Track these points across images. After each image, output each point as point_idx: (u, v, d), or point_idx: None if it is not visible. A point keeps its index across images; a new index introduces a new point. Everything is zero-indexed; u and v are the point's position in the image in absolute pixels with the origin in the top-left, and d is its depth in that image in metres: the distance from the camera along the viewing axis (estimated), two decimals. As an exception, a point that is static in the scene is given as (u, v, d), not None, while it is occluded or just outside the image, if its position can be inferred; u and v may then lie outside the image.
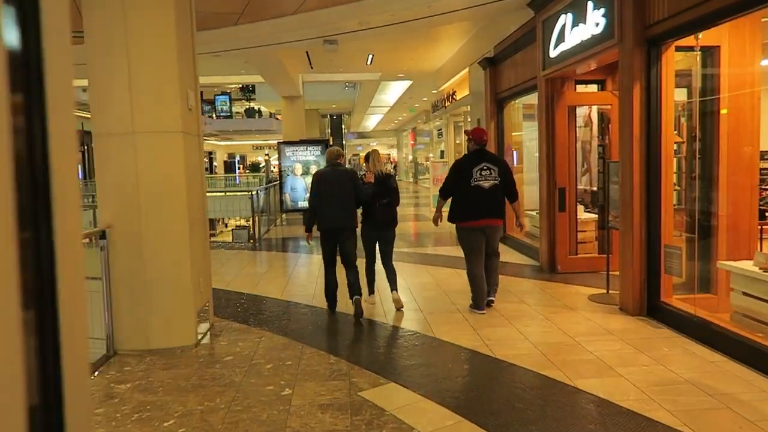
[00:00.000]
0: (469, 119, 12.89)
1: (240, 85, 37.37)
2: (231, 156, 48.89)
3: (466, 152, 6.03)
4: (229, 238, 12.94)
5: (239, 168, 41.69)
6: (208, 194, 6.04)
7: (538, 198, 8.36)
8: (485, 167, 5.60)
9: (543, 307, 6.06)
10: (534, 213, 9.78)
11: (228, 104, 38.76)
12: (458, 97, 12.96)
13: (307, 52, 13.62)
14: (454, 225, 5.83)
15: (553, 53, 7.35)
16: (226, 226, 24.18)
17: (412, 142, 34.07)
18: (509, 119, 10.32)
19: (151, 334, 4.89)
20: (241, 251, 10.41)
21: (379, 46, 13.19)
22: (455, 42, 12.86)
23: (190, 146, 5.10)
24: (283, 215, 15.15)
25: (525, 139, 10.32)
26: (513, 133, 10.25)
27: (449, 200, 5.89)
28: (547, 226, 7.84)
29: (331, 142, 15.87)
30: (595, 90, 7.99)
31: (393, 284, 6.01)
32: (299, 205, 14.01)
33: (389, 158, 46.38)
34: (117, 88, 4.76)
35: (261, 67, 13.55)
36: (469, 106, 12.82)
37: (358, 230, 5.98)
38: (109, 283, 4.82)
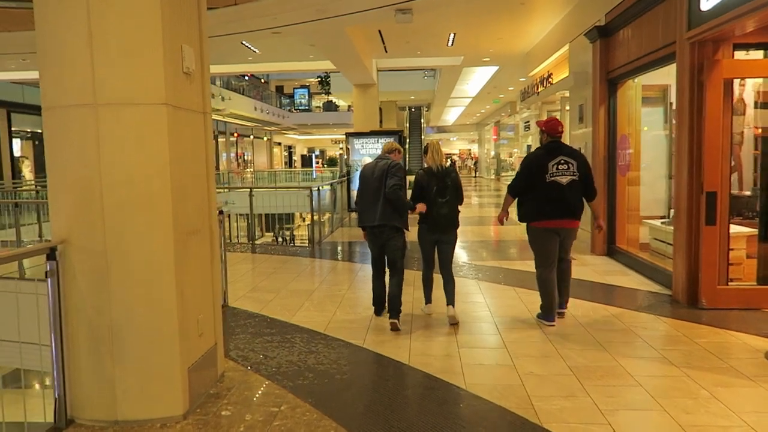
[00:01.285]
0: (567, 107, 10.71)
1: (318, 78, 36.50)
2: (310, 150, 48.34)
3: (540, 145, 5.31)
4: (305, 232, 11.30)
5: (316, 162, 40.89)
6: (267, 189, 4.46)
7: (672, 204, 6.20)
8: (562, 161, 4.96)
9: (699, 371, 3.99)
10: (658, 223, 7.56)
11: (307, 97, 37.98)
12: (555, 80, 10.80)
13: (379, 31, 11.90)
14: (525, 225, 5.23)
15: (706, 4, 5.19)
16: (304, 220, 23.06)
17: (495, 137, 31.70)
18: (624, 103, 8.12)
19: (119, 399, 3.31)
20: (295, 257, 8.84)
21: (462, 24, 11.25)
22: (552, 15, 10.71)
23: (181, 126, 3.46)
24: (351, 214, 13.55)
25: (642, 127, 8.09)
26: (629, 121, 8.04)
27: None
28: (686, 244, 5.69)
29: (406, 134, 14.03)
30: (762, 57, 5.75)
31: (450, 297, 5.30)
32: (368, 204, 12.36)
33: (470, 154, 44.08)
34: (71, 38, 3.18)
35: (329, 50, 11.97)
36: (568, 91, 10.63)
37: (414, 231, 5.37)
38: (61, 325, 3.27)
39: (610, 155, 8.28)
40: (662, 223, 7.42)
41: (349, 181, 12.60)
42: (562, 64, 10.83)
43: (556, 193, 4.92)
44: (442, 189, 5.11)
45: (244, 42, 12.30)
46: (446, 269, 5.32)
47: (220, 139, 34.17)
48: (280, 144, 44.11)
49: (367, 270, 7.72)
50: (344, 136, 12.88)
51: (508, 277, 7.22)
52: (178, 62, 3.43)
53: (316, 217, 10.36)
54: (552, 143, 5.11)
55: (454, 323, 5.15)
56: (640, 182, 8.18)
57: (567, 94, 10.92)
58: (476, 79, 19.11)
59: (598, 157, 8.42)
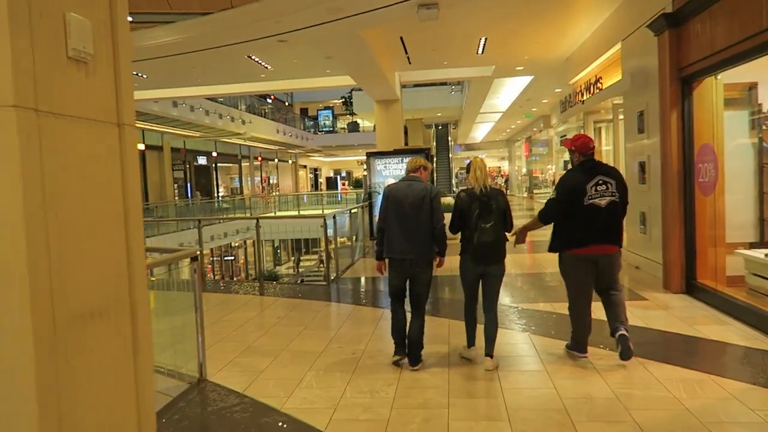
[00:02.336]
0: (620, 116, 9.12)
1: (342, 99, 35.44)
2: (336, 172, 47.28)
3: (572, 165, 4.66)
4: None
5: (342, 183, 39.72)
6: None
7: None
8: (601, 181, 4.42)
9: None
10: (758, 253, 5.90)
11: (331, 119, 36.97)
12: (606, 84, 9.24)
13: (401, 38, 10.52)
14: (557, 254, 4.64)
15: None
16: (330, 242, 21.75)
17: (527, 153, 30.01)
18: (703, 106, 6.53)
19: None
20: (307, 301, 7.39)
21: (494, 25, 9.81)
22: (600, 9, 9.19)
23: (64, 142, 2.03)
24: (371, 243, 12.08)
25: (726, 135, 6.48)
26: (711, 127, 6.43)
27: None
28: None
29: (432, 152, 12.55)
30: None
31: (489, 344, 4.55)
32: (393, 231, 10.90)
33: (500, 171, 42.34)
34: None
35: (346, 62, 10.64)
36: (622, 97, 9.06)
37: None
38: None
39: (687, 170, 6.67)
40: (765, 256, 5.75)
41: (371, 206, 11.18)
42: (612, 67, 9.28)
43: (594, 217, 4.37)
44: (486, 212, 4.41)
45: (252, 57, 11.08)
46: (489, 309, 4.59)
47: (244, 164, 33.31)
48: (305, 167, 43.16)
49: (388, 318, 6.26)
50: (365, 157, 11.49)
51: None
52: (57, 40, 2.03)
53: (333, 247, 8.93)
54: (587, 162, 4.50)
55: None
56: (724, 201, 6.54)
57: (618, 101, 9.34)
58: (507, 91, 17.60)
59: (669, 173, 6.81)
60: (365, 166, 11.39)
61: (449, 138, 30.80)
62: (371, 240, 11.56)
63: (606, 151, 12.30)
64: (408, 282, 4.61)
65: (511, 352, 4.93)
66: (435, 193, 4.51)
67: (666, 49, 6.73)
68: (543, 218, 4.64)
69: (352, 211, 10.57)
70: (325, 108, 36.04)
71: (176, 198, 26.07)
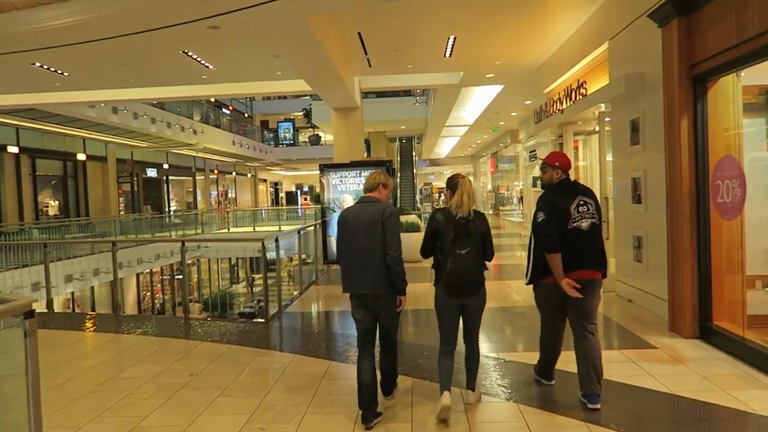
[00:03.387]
0: (606, 127, 7.92)
1: (303, 111, 33.92)
2: (298, 186, 45.53)
3: (545, 184, 4.20)
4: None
5: (303, 198, 38.06)
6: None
7: None
8: (582, 202, 4.02)
9: None
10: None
11: (291, 131, 35.38)
12: (591, 89, 8.02)
13: (359, 34, 9.16)
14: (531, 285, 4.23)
15: None
16: (291, 260, 20.05)
17: (492, 169, 29.02)
18: (720, 111, 5.32)
19: None
20: (236, 348, 5.84)
21: (464, 23, 8.55)
22: (581, 10, 8.03)
23: None
24: (326, 267, 10.60)
25: (747, 145, 5.28)
26: (733, 136, 5.22)
27: None
28: None
29: (395, 165, 11.12)
30: None
31: (471, 376, 4.05)
32: (349, 254, 9.46)
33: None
34: None
35: (297, 61, 9.20)
36: (607, 105, 7.88)
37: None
38: None
39: (700, 189, 5.44)
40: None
41: (324, 225, 9.72)
42: (598, 70, 8.10)
43: (577, 241, 3.99)
44: (462, 236, 3.88)
45: (188, 52, 9.53)
46: (470, 339, 4.11)
47: (198, 177, 31.35)
48: (265, 180, 41.34)
49: (344, 373, 4.80)
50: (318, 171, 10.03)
51: (569, 391, 4.25)
52: None
53: (276, 275, 7.41)
54: (566, 182, 4.15)
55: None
56: (743, 226, 5.32)
57: (605, 108, 8.16)
58: (475, 103, 16.44)
59: (678, 193, 5.57)
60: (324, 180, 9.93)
61: (413, 153, 29.60)
62: (325, 264, 10.08)
63: (582, 167, 11.15)
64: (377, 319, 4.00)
65: (498, 438, 3.53)
66: (389, 213, 3.85)
67: (674, 42, 5.52)
68: (550, 245, 3.97)
69: (302, 231, 9.07)
70: (286, 120, 34.46)
71: (121, 212, 24.04)
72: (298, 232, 8.80)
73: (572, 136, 9.70)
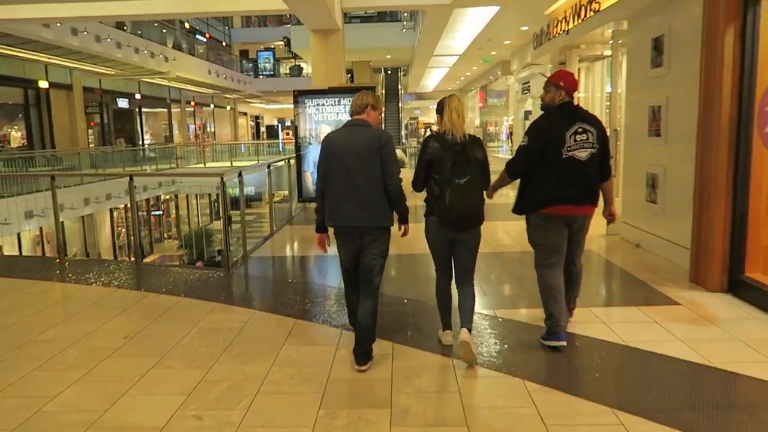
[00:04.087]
0: (621, 54, 6.83)
1: (284, 39, 31.92)
2: (280, 120, 43.79)
3: (549, 106, 3.71)
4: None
5: (285, 133, 36.54)
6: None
7: None
8: (581, 129, 3.56)
9: None
10: None
11: (272, 62, 33.41)
12: (606, 3, 6.85)
13: (337, -65, 7.80)
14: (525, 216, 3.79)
15: None
16: (273, 195, 18.99)
17: (481, 104, 27.75)
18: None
19: None
20: (187, 300, 4.95)
21: None
22: None
23: None
24: (300, 205, 9.64)
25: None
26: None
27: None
28: None
29: (377, 93, 9.92)
30: None
31: (466, 316, 3.55)
32: (327, 192, 8.50)
33: (451, 123, 39.95)
34: None
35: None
36: (625, 22, 6.79)
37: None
38: None
39: (742, 117, 4.48)
40: None
41: (299, 160, 8.67)
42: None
43: (572, 172, 3.54)
44: (462, 165, 3.39)
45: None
46: (464, 282, 3.66)
47: (174, 109, 29.65)
48: (245, 114, 39.61)
49: (311, 336, 3.93)
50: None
51: (585, 362, 3.44)
52: None
53: (241, 215, 6.44)
54: (566, 105, 3.64)
55: (470, 361, 3.40)
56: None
57: (622, 25, 7.06)
58: (467, 29, 15.05)
59: (715, 121, 4.62)
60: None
61: (399, 86, 28.14)
62: (300, 202, 9.11)
63: (583, 99, 10.10)
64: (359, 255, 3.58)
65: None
66: (385, 140, 3.45)
67: (723, -67, 4.42)
68: (511, 170, 3.75)
69: (272, 165, 8.03)
70: (266, 50, 32.48)
71: (91, 145, 22.61)
72: (268, 167, 7.76)
73: (577, 63, 8.59)
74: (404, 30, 17.62)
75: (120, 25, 18.57)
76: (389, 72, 27.21)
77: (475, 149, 3.46)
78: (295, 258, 6.69)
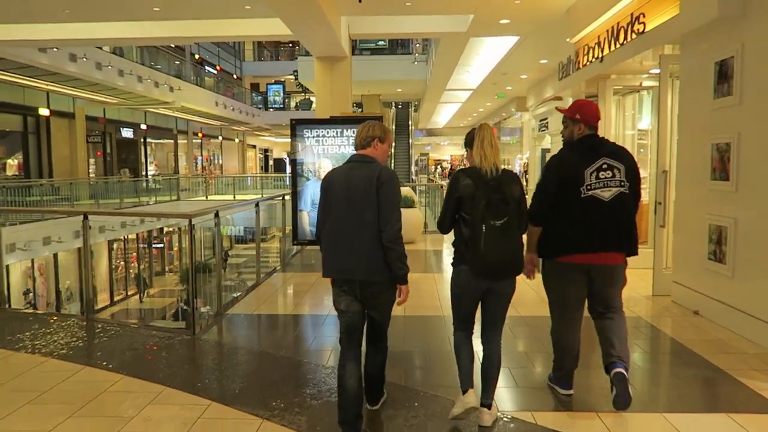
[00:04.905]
0: (673, 83, 5.76)
1: (294, 72, 31.38)
2: (290, 154, 43.16)
3: (569, 141, 3.34)
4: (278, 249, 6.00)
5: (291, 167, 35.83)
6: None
7: None
8: (605, 165, 3.17)
9: None
10: None
11: (281, 94, 32.86)
12: (652, 24, 5.78)
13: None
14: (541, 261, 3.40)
15: None
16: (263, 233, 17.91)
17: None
18: None
19: None
20: (127, 380, 3.79)
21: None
22: None
23: None
24: (295, 248, 8.53)
25: None
26: None
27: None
28: None
29: (384, 122, 8.89)
30: None
31: (488, 388, 3.10)
32: (325, 234, 7.39)
33: (462, 160, 39.11)
34: None
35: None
36: (674, 46, 5.74)
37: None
38: None
39: None
40: None
41: (295, 197, 7.59)
42: (655, 2, 5.87)
43: (594, 214, 3.14)
44: (499, 205, 2.93)
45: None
46: (491, 337, 3.15)
47: (180, 140, 28.96)
48: (254, 147, 38.97)
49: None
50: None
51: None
52: None
53: (216, 262, 5.32)
54: (588, 139, 3.24)
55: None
56: None
57: (671, 49, 6.00)
58: (482, 61, 14.19)
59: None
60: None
61: (410, 121, 27.32)
62: (295, 244, 7.98)
63: (612, 136, 8.97)
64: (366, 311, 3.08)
65: None
66: (386, 179, 2.94)
67: None
68: (531, 213, 3.24)
69: (262, 204, 6.95)
70: (276, 82, 31.94)
71: (92, 175, 21.79)
72: (256, 205, 6.67)
73: (612, 95, 7.49)
74: (416, 62, 16.79)
75: (117, 53, 17.84)
76: (399, 106, 26.43)
77: (511, 185, 3.02)
78: (284, 318, 5.51)
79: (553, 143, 15.21)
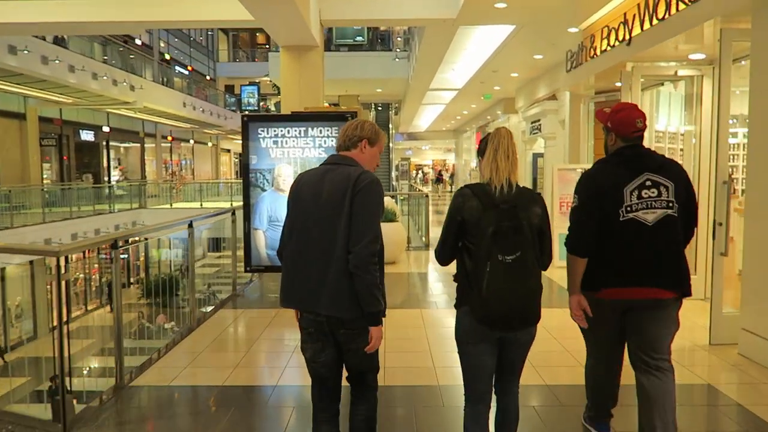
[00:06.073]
0: (714, 73, 4.32)
1: (268, 74, 29.73)
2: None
3: (606, 155, 2.82)
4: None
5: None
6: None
7: None
8: (649, 182, 2.63)
9: None
10: None
11: (256, 96, 31.12)
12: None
13: None
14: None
15: None
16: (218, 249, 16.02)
17: (477, 146, 25.47)
18: None
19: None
20: None
21: None
22: None
23: None
24: (251, 277, 6.93)
25: None
26: None
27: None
28: None
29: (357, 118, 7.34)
30: None
31: None
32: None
33: (444, 165, 37.71)
34: None
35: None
36: (727, 18, 4.30)
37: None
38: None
39: None
40: None
41: (247, 210, 5.97)
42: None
43: (635, 241, 2.62)
44: (510, 233, 2.30)
45: None
46: (509, 384, 2.54)
47: (148, 144, 27.06)
48: (229, 151, 37.15)
49: None
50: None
51: None
52: None
53: (114, 306, 3.70)
54: (628, 150, 2.69)
55: None
56: None
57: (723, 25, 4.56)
58: (470, 57, 12.76)
59: None
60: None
61: (390, 125, 25.85)
62: (247, 272, 6.36)
63: (669, 135, 7.46)
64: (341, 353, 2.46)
65: None
66: (365, 183, 2.33)
67: None
68: (573, 245, 2.69)
69: (200, 224, 5.34)
70: (250, 84, 30.22)
71: (46, 181, 19.90)
72: (189, 226, 5.06)
73: (640, 89, 5.96)
74: (397, 59, 15.29)
75: (60, 43, 15.97)
76: (380, 108, 24.94)
77: (530, 208, 2.35)
78: (216, 393, 3.86)
79: (546, 147, 13.84)
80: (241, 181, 6.16)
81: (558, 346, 4.44)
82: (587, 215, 2.66)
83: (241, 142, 5.84)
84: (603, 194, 2.65)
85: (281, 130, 6.05)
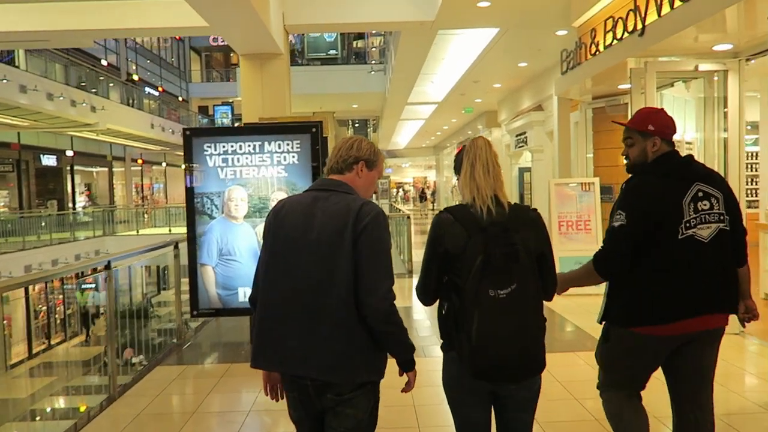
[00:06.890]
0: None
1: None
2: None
3: (641, 163, 2.36)
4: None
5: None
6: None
7: None
8: (700, 192, 2.27)
9: None
10: None
11: (230, 116, 30.11)
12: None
13: None
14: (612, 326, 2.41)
15: None
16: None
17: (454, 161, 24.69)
18: None
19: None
20: None
21: None
22: None
23: None
24: (194, 324, 5.84)
25: None
26: None
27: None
28: None
29: (327, 131, 6.04)
30: None
31: None
32: (240, 300, 4.77)
33: (425, 182, 36.89)
34: None
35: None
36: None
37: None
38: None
39: None
40: None
41: (193, 244, 4.91)
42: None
43: (693, 261, 2.22)
44: (500, 263, 1.89)
45: None
46: None
47: (116, 168, 25.79)
48: (204, 173, 35.89)
49: None
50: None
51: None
52: None
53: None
54: (671, 158, 2.32)
55: None
56: None
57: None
58: (449, 67, 11.94)
59: None
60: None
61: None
62: (194, 316, 5.27)
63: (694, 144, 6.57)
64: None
65: None
66: (371, 218, 1.91)
67: None
68: (605, 267, 2.30)
69: (127, 264, 4.26)
70: (224, 104, 29.21)
71: (2, 209, 18.58)
72: (107, 267, 3.98)
73: (655, 89, 5.05)
74: (372, 72, 14.42)
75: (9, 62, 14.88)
76: (357, 125, 24.10)
77: (526, 229, 1.96)
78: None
79: (533, 161, 13.00)
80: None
81: (566, 396, 3.44)
82: (634, 235, 2.24)
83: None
84: (661, 210, 2.24)
85: (231, 146, 5.04)
